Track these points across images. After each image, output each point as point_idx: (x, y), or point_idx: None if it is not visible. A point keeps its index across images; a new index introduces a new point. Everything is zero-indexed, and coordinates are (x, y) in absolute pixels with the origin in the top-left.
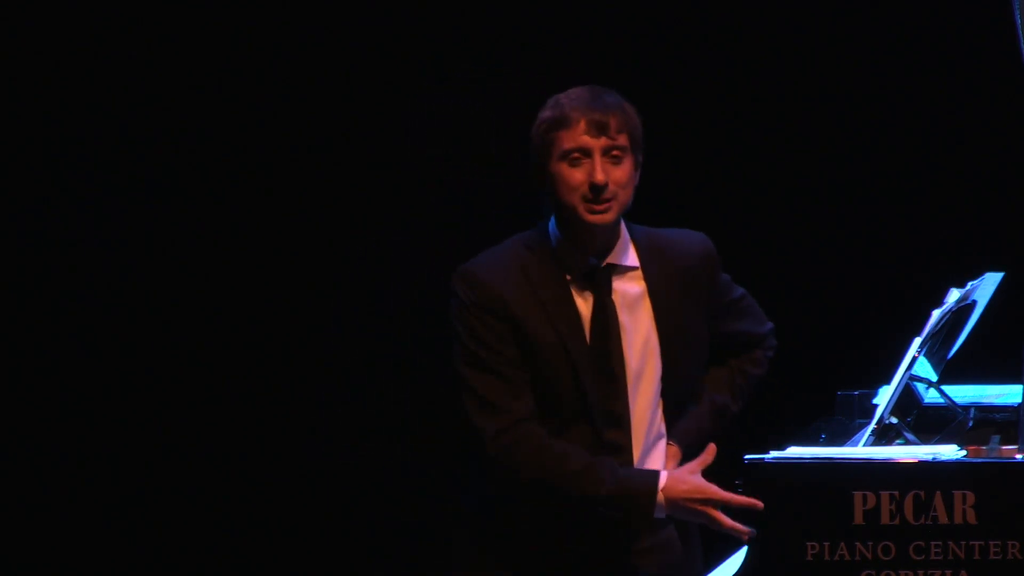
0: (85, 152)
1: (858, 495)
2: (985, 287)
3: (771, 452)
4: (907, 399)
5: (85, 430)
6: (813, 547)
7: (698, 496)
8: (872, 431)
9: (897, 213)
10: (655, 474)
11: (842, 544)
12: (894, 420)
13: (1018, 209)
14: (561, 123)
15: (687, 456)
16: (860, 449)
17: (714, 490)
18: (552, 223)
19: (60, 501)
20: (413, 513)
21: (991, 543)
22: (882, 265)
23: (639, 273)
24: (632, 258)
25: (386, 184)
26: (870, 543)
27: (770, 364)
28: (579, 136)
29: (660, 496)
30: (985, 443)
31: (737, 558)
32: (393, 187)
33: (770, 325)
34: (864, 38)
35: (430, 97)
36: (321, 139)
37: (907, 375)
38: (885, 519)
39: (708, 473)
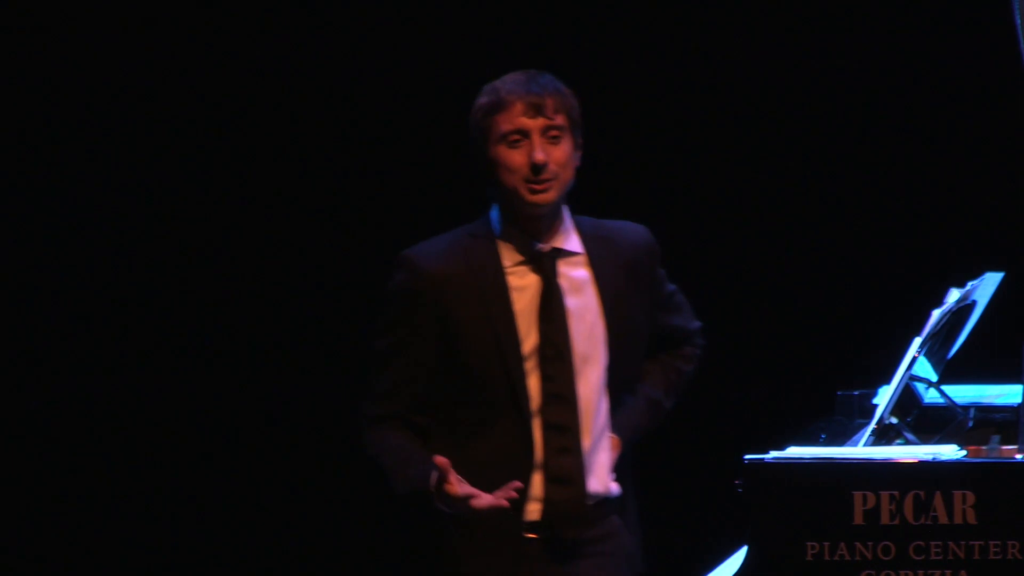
0: (84, 152)
1: (858, 495)
2: (985, 287)
3: (771, 452)
4: (907, 399)
5: (83, 430)
6: (813, 547)
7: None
8: (872, 431)
9: (897, 213)
10: (425, 479)
11: (842, 544)
12: (894, 420)
13: (1018, 209)
14: (498, 107)
15: (626, 449)
16: (860, 449)
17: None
18: (495, 211)
19: (60, 501)
20: (409, 513)
21: (991, 543)
22: (882, 265)
23: (584, 259)
24: (576, 244)
25: (386, 184)
26: (870, 543)
27: (699, 362)
28: (516, 118)
29: (431, 479)
30: (985, 443)
31: (737, 558)
32: (392, 186)
33: (699, 323)
34: (864, 38)
35: (430, 96)
36: (321, 139)
37: (907, 375)
38: (885, 519)
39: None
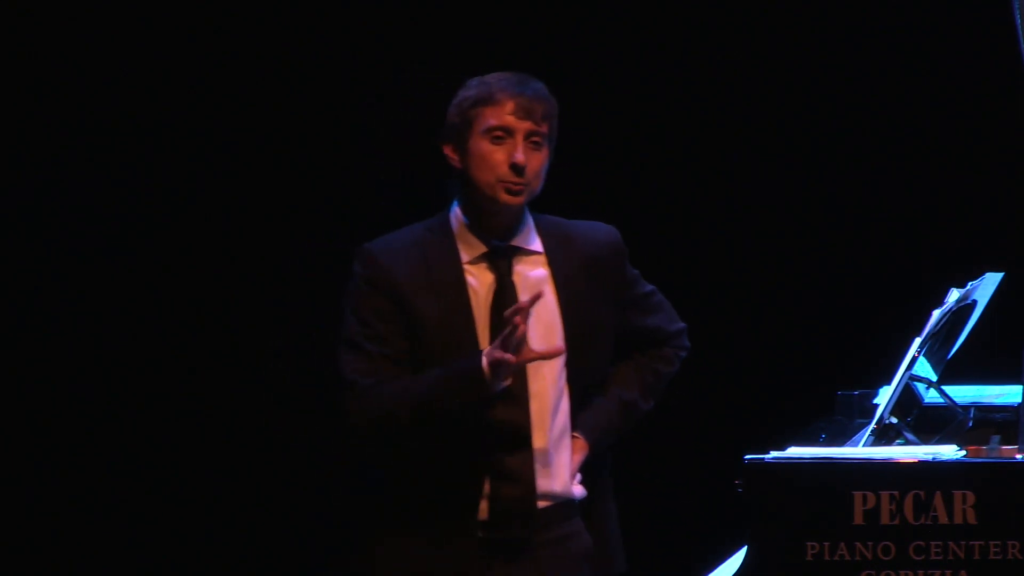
0: (77, 151)
1: (858, 495)
2: (985, 287)
3: (771, 452)
4: (907, 399)
5: (80, 430)
6: (813, 547)
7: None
8: (872, 431)
9: (897, 213)
10: (477, 351)
11: (842, 544)
12: (894, 420)
13: (1018, 209)
14: (488, 100)
15: (594, 452)
16: (860, 449)
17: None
18: (455, 206)
19: (57, 501)
20: (358, 509)
21: (991, 543)
22: (882, 265)
23: (543, 258)
24: (536, 243)
25: (380, 183)
26: (870, 543)
27: (682, 364)
28: (505, 115)
29: (483, 360)
30: (985, 443)
31: (737, 558)
32: (386, 186)
33: (682, 325)
34: (864, 38)
35: (428, 94)
36: (318, 139)
37: (907, 375)
38: (885, 519)
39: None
